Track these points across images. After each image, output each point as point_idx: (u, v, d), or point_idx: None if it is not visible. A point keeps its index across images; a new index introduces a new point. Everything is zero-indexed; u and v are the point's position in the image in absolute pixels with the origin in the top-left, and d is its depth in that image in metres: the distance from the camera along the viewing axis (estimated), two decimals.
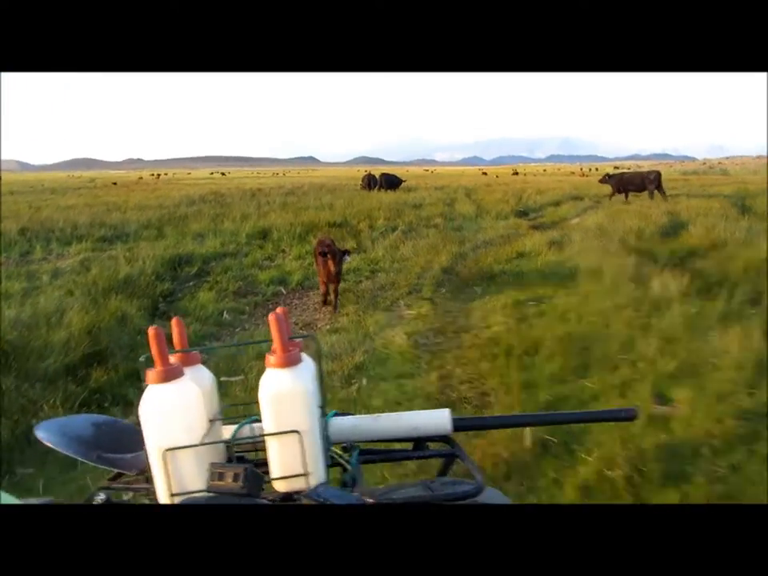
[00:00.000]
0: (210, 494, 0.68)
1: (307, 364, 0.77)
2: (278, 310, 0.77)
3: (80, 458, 0.82)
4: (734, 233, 9.19)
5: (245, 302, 6.31)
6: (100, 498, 0.75)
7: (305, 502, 0.70)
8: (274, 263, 8.45)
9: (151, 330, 0.71)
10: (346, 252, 6.26)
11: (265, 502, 0.68)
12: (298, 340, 0.79)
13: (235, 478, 0.67)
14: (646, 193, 18.01)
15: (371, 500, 0.69)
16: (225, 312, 5.70)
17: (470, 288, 6.87)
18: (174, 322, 0.81)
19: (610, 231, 10.37)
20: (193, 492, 0.70)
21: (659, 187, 17.78)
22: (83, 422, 0.93)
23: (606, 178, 19.31)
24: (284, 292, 6.81)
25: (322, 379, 0.80)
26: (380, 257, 8.66)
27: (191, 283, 6.94)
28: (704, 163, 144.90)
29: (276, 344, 0.74)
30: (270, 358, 0.74)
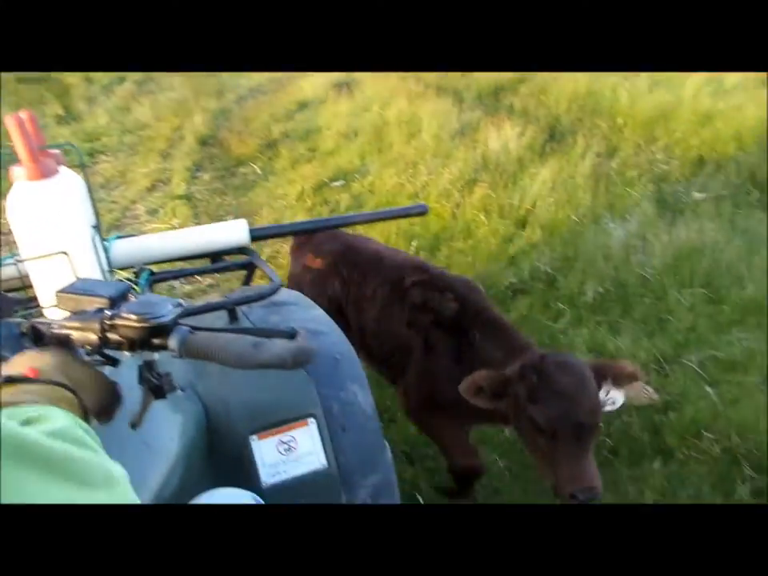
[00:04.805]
0: None
1: (68, 178, 0.70)
2: (22, 112, 0.68)
3: None
4: None
5: None
6: None
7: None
8: None
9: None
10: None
11: (13, 322, 0.56)
12: (54, 150, 0.71)
13: None
14: None
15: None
16: None
17: (244, 166, 4.80)
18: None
19: None
20: None
21: None
22: None
23: None
24: None
25: (92, 197, 0.74)
26: (103, 127, 5.88)
27: None
28: None
29: (22, 153, 0.64)
30: (17, 170, 0.65)
